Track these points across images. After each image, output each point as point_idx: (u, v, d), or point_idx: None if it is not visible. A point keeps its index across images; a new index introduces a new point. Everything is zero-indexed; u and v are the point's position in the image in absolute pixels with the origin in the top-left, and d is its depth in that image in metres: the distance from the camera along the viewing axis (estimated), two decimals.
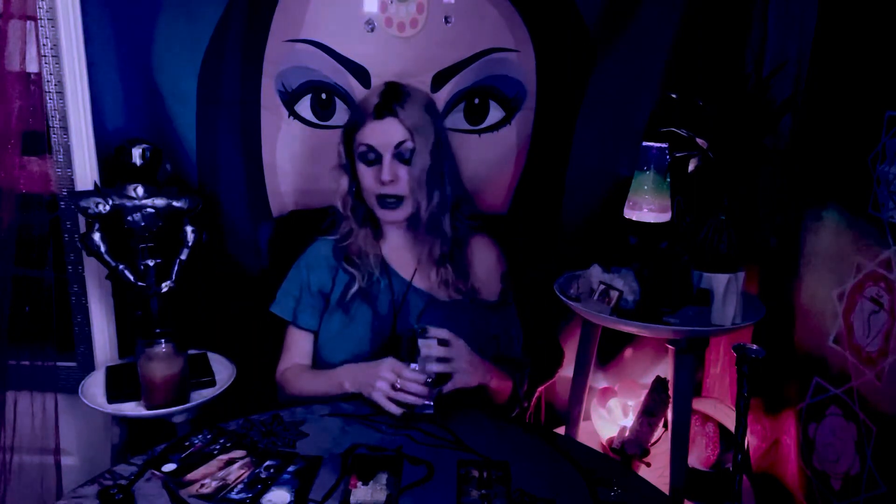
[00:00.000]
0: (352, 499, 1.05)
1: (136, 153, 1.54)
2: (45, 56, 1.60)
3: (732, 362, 1.33)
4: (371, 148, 1.42)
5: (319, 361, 1.51)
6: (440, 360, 1.30)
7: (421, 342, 1.29)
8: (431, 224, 1.46)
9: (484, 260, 1.56)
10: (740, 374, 1.09)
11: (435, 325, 1.34)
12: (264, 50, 1.65)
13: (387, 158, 1.41)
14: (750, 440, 1.71)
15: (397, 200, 1.44)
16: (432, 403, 1.29)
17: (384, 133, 1.41)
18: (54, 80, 1.62)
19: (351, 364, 1.41)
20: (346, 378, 1.37)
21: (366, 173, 1.45)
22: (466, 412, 1.32)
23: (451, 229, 1.48)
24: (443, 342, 1.31)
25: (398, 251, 1.53)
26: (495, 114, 1.73)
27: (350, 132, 1.47)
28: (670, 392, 1.54)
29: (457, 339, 1.34)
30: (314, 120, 1.70)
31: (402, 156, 1.42)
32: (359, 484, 1.08)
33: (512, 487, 1.09)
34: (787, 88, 1.58)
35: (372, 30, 1.64)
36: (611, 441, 1.75)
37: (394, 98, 1.42)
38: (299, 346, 1.53)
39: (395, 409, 1.28)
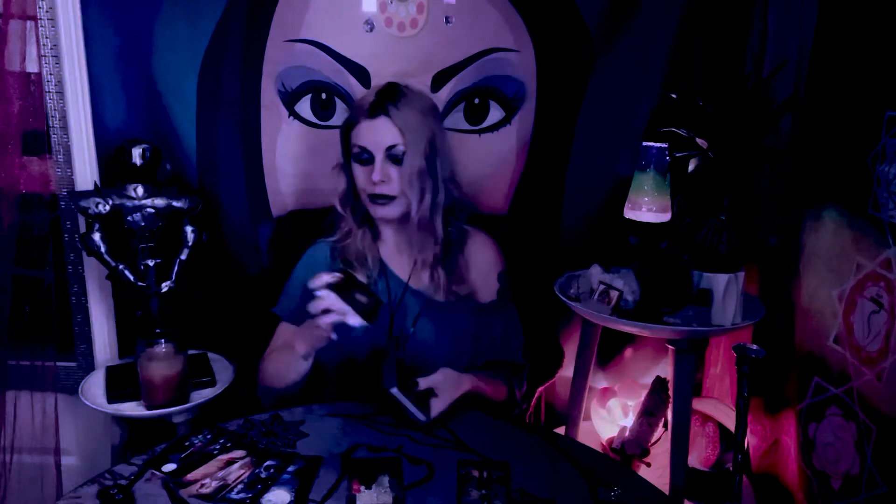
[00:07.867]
0: (358, 503, 1.04)
1: (136, 153, 1.54)
2: (45, 56, 1.61)
3: (732, 362, 1.33)
4: (364, 149, 1.41)
5: (317, 364, 1.49)
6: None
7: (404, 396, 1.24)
8: (422, 226, 1.45)
9: (481, 259, 1.54)
10: (740, 374, 1.09)
11: (430, 329, 1.31)
12: (264, 50, 1.65)
13: (378, 159, 1.40)
14: (750, 440, 1.71)
15: (388, 199, 1.43)
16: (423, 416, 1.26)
17: (376, 132, 1.40)
18: (54, 80, 1.63)
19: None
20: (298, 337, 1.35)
21: (359, 173, 1.44)
22: (466, 412, 1.32)
23: (444, 232, 1.47)
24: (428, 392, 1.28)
25: (395, 252, 1.53)
26: (495, 114, 1.73)
27: (346, 132, 1.46)
28: (670, 392, 1.54)
29: (444, 373, 1.31)
30: (314, 120, 1.70)
31: (394, 156, 1.41)
32: (361, 489, 1.08)
33: (512, 487, 1.09)
34: (787, 88, 1.58)
35: (371, 30, 1.64)
36: (611, 441, 1.75)
37: (389, 97, 1.41)
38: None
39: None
